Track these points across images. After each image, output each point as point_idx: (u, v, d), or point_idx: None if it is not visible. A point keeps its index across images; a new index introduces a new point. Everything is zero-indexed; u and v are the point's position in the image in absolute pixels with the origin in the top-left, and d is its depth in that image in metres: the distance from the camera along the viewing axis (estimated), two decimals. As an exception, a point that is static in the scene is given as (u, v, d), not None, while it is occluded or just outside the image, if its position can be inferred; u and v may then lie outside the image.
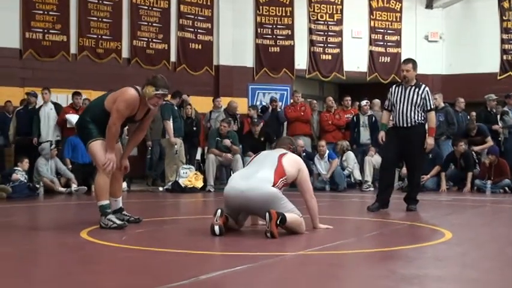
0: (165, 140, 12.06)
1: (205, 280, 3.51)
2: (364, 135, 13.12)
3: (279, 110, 13.70)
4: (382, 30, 16.78)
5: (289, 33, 16.04)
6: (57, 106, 12.04)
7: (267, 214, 5.04)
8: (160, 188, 12.05)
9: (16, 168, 10.77)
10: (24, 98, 12.42)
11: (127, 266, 4.07)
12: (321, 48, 16.30)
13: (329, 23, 16.37)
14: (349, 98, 14.08)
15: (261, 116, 13.58)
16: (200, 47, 15.25)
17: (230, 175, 11.36)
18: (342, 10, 16.43)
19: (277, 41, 15.97)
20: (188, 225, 6.41)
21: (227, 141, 11.90)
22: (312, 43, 16.22)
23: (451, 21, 17.04)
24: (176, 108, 12.34)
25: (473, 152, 12.42)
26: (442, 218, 7.42)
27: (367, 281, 3.67)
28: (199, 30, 15.27)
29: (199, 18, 15.29)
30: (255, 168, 5.52)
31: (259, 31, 15.90)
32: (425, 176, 11.95)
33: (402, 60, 8.49)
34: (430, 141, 7.83)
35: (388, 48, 16.68)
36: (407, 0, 16.96)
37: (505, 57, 16.36)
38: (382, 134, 7.96)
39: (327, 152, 12.36)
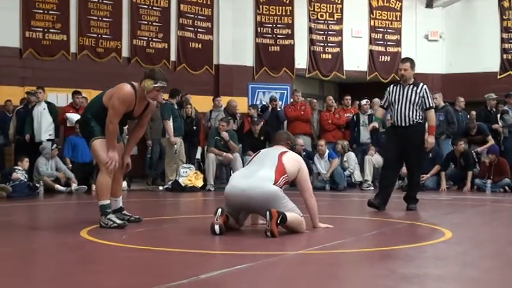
0: (165, 139, 12.07)
1: (205, 279, 3.51)
2: (364, 135, 13.11)
3: (278, 109, 13.70)
4: (382, 30, 16.77)
5: (289, 32, 16.04)
6: (50, 106, 11.90)
7: (268, 213, 5.05)
8: (161, 187, 12.05)
9: (16, 167, 10.77)
10: (24, 97, 12.42)
11: (127, 266, 4.08)
12: (321, 48, 16.30)
13: (329, 22, 16.37)
14: (349, 97, 14.08)
15: (261, 115, 13.58)
16: (200, 46, 15.25)
17: (230, 174, 11.38)
18: (342, 9, 16.42)
19: (277, 40, 15.97)
20: (188, 225, 6.41)
21: (225, 134, 11.89)
22: (312, 42, 16.22)
23: (451, 21, 17.03)
24: (176, 107, 12.34)
25: (473, 152, 12.42)
26: (442, 217, 7.42)
27: (367, 280, 3.67)
28: (199, 30, 15.27)
29: (199, 17, 15.29)
30: (256, 167, 5.52)
31: (259, 30, 15.89)
32: (425, 175, 11.96)
33: (400, 60, 8.48)
34: (430, 139, 7.84)
35: (388, 48, 16.68)
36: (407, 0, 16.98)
37: (505, 56, 16.36)
38: (374, 124, 7.99)
39: (327, 151, 12.36)
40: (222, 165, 12.38)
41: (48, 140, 11.67)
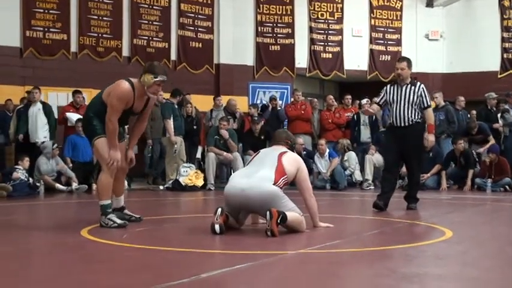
0: (166, 138, 12.07)
1: (206, 278, 3.51)
2: (365, 134, 13.12)
3: (279, 108, 13.70)
4: (383, 29, 16.77)
5: (290, 31, 16.04)
6: (46, 106, 11.82)
7: (268, 213, 5.05)
8: (161, 187, 12.05)
9: (17, 166, 10.77)
10: (25, 96, 12.41)
11: (128, 265, 4.08)
12: (322, 47, 16.30)
13: (329, 21, 16.37)
14: (349, 97, 14.09)
15: (261, 115, 13.58)
16: (200, 45, 15.25)
17: (230, 173, 11.37)
18: (342, 8, 16.42)
19: (278, 40, 15.97)
20: (188, 224, 6.41)
21: (224, 132, 11.89)
22: (312, 41, 16.21)
23: (452, 20, 17.03)
24: (176, 107, 12.34)
25: (473, 151, 12.42)
26: (443, 216, 7.42)
27: (368, 280, 3.67)
28: (199, 29, 15.27)
29: (199, 16, 15.29)
30: (256, 167, 5.52)
31: (259, 29, 15.89)
32: (426, 175, 11.97)
33: (397, 59, 8.44)
34: (430, 138, 7.83)
35: (388, 47, 16.68)
36: (407, -1, 16.99)
37: (505, 55, 16.36)
38: (370, 108, 7.97)
39: (327, 150, 12.36)
40: (223, 165, 12.38)
41: (43, 141, 11.62)
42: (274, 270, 3.86)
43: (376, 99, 7.97)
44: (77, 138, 11.84)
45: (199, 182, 11.82)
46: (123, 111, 5.77)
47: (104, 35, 14.06)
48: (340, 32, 16.42)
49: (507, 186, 11.66)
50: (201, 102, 13.89)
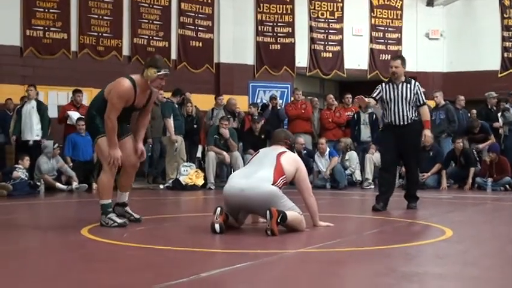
0: (166, 137, 12.07)
1: (206, 278, 3.51)
2: (365, 133, 13.11)
3: (279, 107, 13.70)
4: (383, 28, 16.77)
5: (290, 30, 16.03)
6: (40, 105, 11.73)
7: (268, 212, 5.05)
8: (161, 186, 12.05)
9: (17, 165, 10.77)
10: (25, 95, 12.39)
11: (128, 264, 4.08)
12: (322, 46, 16.29)
13: (330, 20, 16.36)
14: (349, 96, 14.07)
15: (261, 114, 13.58)
16: (201, 44, 15.25)
17: (230, 173, 11.37)
18: (342, 8, 16.41)
19: (278, 39, 15.96)
20: (189, 223, 6.41)
21: (225, 131, 11.90)
22: (312, 41, 16.21)
23: (452, 19, 17.02)
24: (177, 106, 12.34)
25: (473, 150, 12.42)
26: (443, 215, 7.42)
27: (368, 279, 3.67)
28: (199, 28, 15.27)
29: (199, 16, 15.29)
30: (255, 167, 5.52)
31: (259, 29, 15.89)
32: (426, 174, 11.98)
33: (390, 57, 8.40)
34: (428, 133, 7.82)
35: (388, 46, 16.67)
36: (408, -2, 16.99)
37: (505, 54, 16.35)
38: (367, 100, 7.82)
39: (328, 149, 12.36)
40: (222, 164, 12.38)
41: (35, 140, 11.51)
42: (274, 270, 3.86)
43: (373, 94, 7.85)
44: (77, 137, 11.85)
45: (200, 181, 11.82)
46: (125, 108, 5.74)
47: (104, 34, 14.06)
48: (340, 31, 16.41)
49: (507, 186, 11.66)
50: (201, 102, 13.89)
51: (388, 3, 16.80)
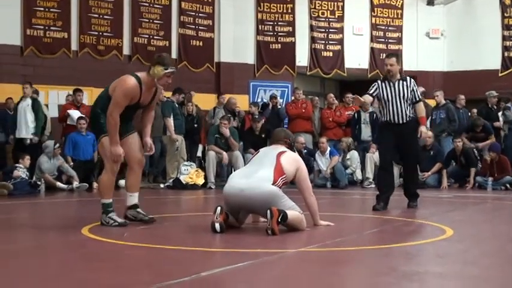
0: (166, 137, 12.07)
1: (206, 277, 3.51)
2: (365, 132, 13.10)
3: (279, 107, 13.70)
4: (384, 27, 16.77)
5: (290, 30, 16.03)
6: (35, 102, 11.66)
7: (268, 211, 5.05)
8: (162, 185, 12.05)
9: (17, 165, 10.77)
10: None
11: (128, 263, 4.08)
12: (322, 45, 16.30)
13: (330, 19, 16.36)
14: (350, 95, 14.06)
15: (261, 113, 13.58)
16: (201, 44, 15.25)
17: (231, 172, 11.37)
18: (343, 7, 16.42)
19: (278, 38, 15.97)
20: (189, 222, 6.42)
21: (225, 131, 11.90)
22: (313, 40, 16.21)
23: (453, 18, 17.02)
24: (177, 105, 12.34)
25: (474, 149, 12.42)
26: (443, 214, 7.42)
27: (368, 278, 3.67)
28: (200, 27, 15.27)
29: (200, 15, 15.29)
30: (255, 167, 5.52)
31: (260, 28, 15.89)
32: (427, 173, 11.98)
33: (386, 55, 8.35)
34: (424, 129, 7.78)
35: (389, 45, 16.67)
36: (408, -3, 16.98)
37: (506, 54, 16.35)
38: (362, 98, 7.66)
39: (328, 148, 12.37)
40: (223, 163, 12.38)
41: (31, 139, 11.46)
42: (274, 269, 3.86)
43: (369, 90, 7.74)
44: (78, 136, 11.85)
45: (200, 181, 11.82)
46: (130, 106, 5.70)
47: (105, 34, 14.06)
48: (340, 30, 16.42)
49: (508, 185, 11.65)
50: (201, 101, 13.89)
51: (389, 2, 16.81)
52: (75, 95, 12.45)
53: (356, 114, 13.35)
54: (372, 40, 16.66)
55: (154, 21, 14.72)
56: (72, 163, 11.63)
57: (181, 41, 14.99)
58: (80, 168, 11.59)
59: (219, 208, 5.23)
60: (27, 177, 10.63)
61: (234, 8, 15.60)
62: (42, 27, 13.37)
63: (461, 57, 16.67)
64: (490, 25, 16.37)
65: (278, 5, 15.96)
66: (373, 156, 12.41)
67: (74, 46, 13.72)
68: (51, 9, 13.50)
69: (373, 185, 12.06)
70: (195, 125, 12.90)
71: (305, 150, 12.39)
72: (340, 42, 16.41)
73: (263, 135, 12.62)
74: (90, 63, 13.71)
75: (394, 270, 3.82)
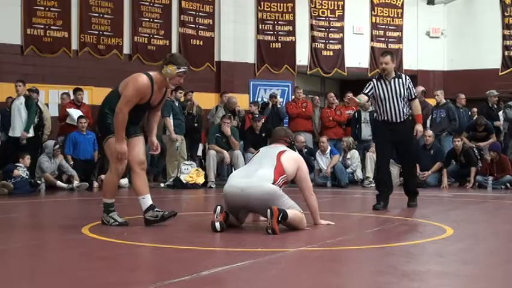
0: (166, 136, 12.07)
1: (206, 276, 3.51)
2: (366, 131, 13.09)
3: (279, 106, 13.70)
4: (384, 26, 16.76)
5: (291, 29, 16.03)
6: (28, 100, 11.51)
7: (269, 211, 5.05)
8: (162, 184, 12.05)
9: (17, 164, 10.76)
10: (26, 94, 12.38)
11: (128, 262, 4.08)
12: (323, 44, 16.29)
13: (330, 19, 16.36)
14: (350, 94, 14.04)
15: (261, 112, 13.58)
16: (201, 43, 15.24)
17: (231, 171, 11.37)
18: (343, 6, 16.41)
19: (279, 37, 15.96)
20: (189, 222, 6.41)
21: (226, 129, 11.91)
22: (313, 39, 16.20)
23: (453, 17, 17.02)
24: (177, 105, 12.33)
25: (474, 149, 12.42)
26: (444, 214, 7.43)
27: (368, 277, 3.67)
28: (200, 26, 15.27)
29: (200, 14, 15.28)
30: (255, 166, 5.52)
31: (260, 27, 15.88)
32: (427, 172, 11.98)
33: (381, 53, 8.33)
34: (419, 127, 7.71)
35: (389, 44, 16.64)
36: (408, -4, 16.97)
37: (506, 53, 16.34)
38: (357, 99, 7.63)
39: (329, 148, 12.37)
40: (223, 162, 12.38)
41: (18, 137, 11.32)
42: (274, 268, 3.86)
43: (365, 90, 7.71)
44: (78, 135, 11.84)
45: (200, 180, 11.82)
46: (140, 106, 5.62)
47: (105, 33, 14.05)
48: (341, 29, 16.41)
49: (508, 184, 11.66)
50: (202, 100, 13.88)
51: (389, 1, 16.80)
52: (75, 94, 12.45)
53: (356, 114, 13.35)
54: (372, 39, 16.65)
55: (155, 21, 14.72)
56: (72, 162, 11.63)
57: (181, 40, 14.98)
58: (80, 167, 11.60)
59: (219, 207, 5.23)
60: (27, 177, 10.63)
61: (234, 7, 15.59)
62: (42, 26, 13.37)
63: (461, 56, 16.66)
64: (490, 24, 16.37)
65: (278, 4, 15.95)
66: (374, 155, 12.38)
67: (74, 45, 13.72)
68: (52, 9, 13.49)
69: (373, 184, 12.06)
70: (196, 124, 12.89)
71: (305, 150, 12.39)
72: (341, 41, 16.40)
73: (263, 135, 12.62)
74: (90, 63, 13.71)
75: (395, 269, 3.82)
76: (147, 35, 14.58)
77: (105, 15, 14.08)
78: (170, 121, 11.88)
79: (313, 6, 16.24)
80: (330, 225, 5.79)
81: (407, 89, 7.55)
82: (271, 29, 15.93)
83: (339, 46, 16.39)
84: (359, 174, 12.65)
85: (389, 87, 7.54)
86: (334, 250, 4.60)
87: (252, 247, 4.61)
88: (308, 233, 5.37)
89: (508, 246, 4.99)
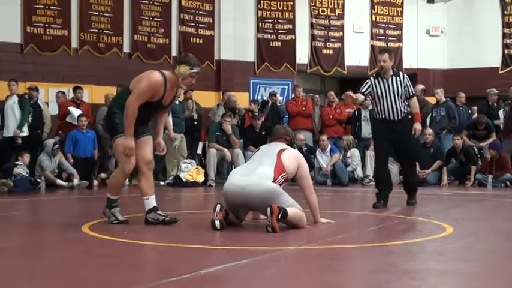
0: (166, 134, 12.06)
1: (206, 274, 3.51)
2: (366, 130, 13.08)
3: (278, 104, 13.70)
4: (384, 25, 16.76)
5: (291, 27, 16.03)
6: (22, 100, 11.44)
7: (269, 209, 5.05)
8: (162, 183, 12.05)
9: (17, 162, 10.77)
10: (26, 92, 12.38)
11: (128, 261, 4.08)
12: (322, 43, 16.29)
13: (330, 17, 16.35)
14: (349, 93, 14.02)
15: (261, 110, 13.58)
16: (201, 41, 15.24)
17: (231, 169, 11.38)
18: (343, 4, 16.41)
19: (279, 36, 15.96)
20: (189, 220, 6.41)
21: (228, 127, 11.92)
22: (313, 37, 16.20)
23: (453, 16, 17.01)
24: (177, 103, 12.32)
25: (474, 147, 12.42)
26: (443, 212, 7.42)
27: (368, 275, 3.67)
28: (200, 25, 15.27)
29: (200, 12, 15.28)
30: (255, 164, 5.52)
31: (260, 25, 15.88)
32: (427, 171, 11.98)
33: (379, 51, 8.31)
34: (418, 126, 7.68)
35: (389, 43, 16.63)
36: (408, -6, 16.97)
37: (506, 51, 16.34)
38: (355, 96, 7.57)
39: (329, 146, 12.38)
40: (223, 160, 12.39)
41: (15, 137, 11.28)
42: (274, 266, 3.86)
43: (362, 88, 7.70)
44: (78, 134, 11.84)
45: (200, 178, 11.82)
46: (151, 104, 5.56)
47: (105, 31, 14.05)
48: (341, 28, 16.40)
49: (508, 182, 11.67)
50: (201, 98, 13.89)
51: (389, 0, 16.79)
52: (75, 93, 12.44)
53: (356, 112, 13.35)
54: (372, 38, 16.65)
55: (155, 19, 14.71)
56: (72, 160, 11.63)
57: (181, 39, 14.98)
58: (80, 165, 11.60)
59: (218, 205, 5.22)
60: (27, 175, 10.63)
61: (234, 6, 15.59)
62: (42, 24, 13.37)
63: (461, 54, 16.65)
64: (490, 23, 16.36)
65: (278, 3, 15.95)
66: (373, 153, 12.42)
67: (74, 44, 13.72)
68: (51, 7, 13.49)
69: (373, 183, 12.06)
70: (195, 123, 12.89)
71: (305, 148, 12.39)
72: (341, 39, 16.40)
73: (263, 133, 12.61)
74: (90, 61, 13.71)
75: (395, 268, 3.82)
76: (147, 34, 14.58)
77: (105, 14, 14.08)
78: (169, 120, 11.87)
79: (313, 4, 16.23)
80: (330, 223, 5.79)
81: (405, 87, 7.53)
82: (271, 27, 15.93)
83: (339, 44, 16.39)
84: (359, 173, 12.65)
85: (386, 85, 7.53)
86: (334, 248, 4.60)
87: (252, 245, 4.61)
88: (308, 231, 5.37)
89: (508, 244, 4.99)
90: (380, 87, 7.55)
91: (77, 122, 11.84)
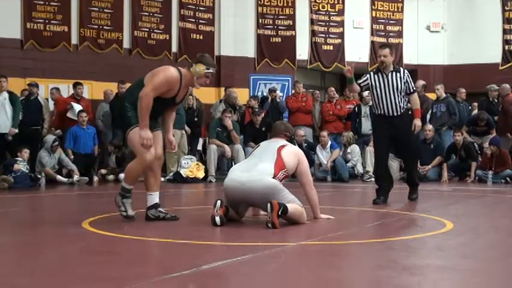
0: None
1: (206, 270, 3.51)
2: (366, 126, 13.07)
3: (278, 100, 13.69)
4: (384, 21, 16.74)
5: (291, 23, 16.01)
6: (12, 96, 11.35)
7: (269, 205, 5.05)
8: (162, 179, 12.01)
9: (17, 158, 10.77)
10: (25, 88, 12.39)
11: (128, 257, 4.08)
12: (323, 39, 16.27)
13: (330, 13, 16.34)
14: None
15: (261, 106, 13.58)
16: (201, 37, 15.23)
17: (231, 165, 11.38)
18: (343, 0, 16.38)
19: (279, 32, 15.94)
20: (189, 216, 6.41)
21: (229, 122, 11.92)
22: (313, 33, 16.19)
23: (453, 12, 16.99)
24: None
25: (475, 143, 12.41)
26: (444, 208, 7.42)
27: (369, 271, 3.67)
28: (200, 21, 15.25)
29: (200, 8, 15.26)
30: (255, 160, 5.52)
31: (260, 21, 15.86)
32: (427, 167, 11.98)
33: (379, 46, 8.29)
34: (418, 122, 7.64)
35: (389, 39, 16.62)
36: (409, -10, 16.95)
37: (507, 47, 16.32)
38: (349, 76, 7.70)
39: (329, 142, 12.38)
40: (223, 157, 12.39)
41: (4, 133, 11.16)
42: (275, 262, 3.86)
43: (359, 80, 7.71)
44: (79, 130, 11.84)
45: (200, 174, 11.83)
46: (164, 99, 5.54)
47: (105, 27, 14.04)
48: (341, 23, 16.39)
49: (508, 178, 11.66)
50: (201, 94, 13.86)
51: (389, -5, 16.79)
52: (75, 89, 12.43)
53: (356, 108, 13.34)
54: (372, 34, 16.63)
55: (155, 15, 14.70)
56: (72, 156, 11.63)
57: (181, 35, 14.96)
58: (80, 161, 11.60)
59: (219, 201, 5.23)
60: (27, 171, 10.63)
61: (235, 2, 15.57)
62: (42, 20, 13.36)
63: (461, 50, 16.64)
64: (491, 18, 16.34)
65: (278, -1, 15.95)
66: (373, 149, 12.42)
67: (74, 40, 13.71)
68: (51, 3, 13.48)
69: (373, 179, 12.05)
70: (196, 119, 12.90)
71: (305, 144, 12.40)
72: (341, 35, 16.38)
73: (263, 129, 12.61)
74: (90, 57, 13.70)
75: (395, 264, 3.82)
76: (147, 30, 14.56)
77: (105, 10, 14.06)
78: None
79: (313, 0, 16.21)
80: (330, 219, 5.80)
81: (405, 83, 7.51)
82: (271, 23, 15.91)
83: (339, 40, 16.37)
84: (359, 169, 12.65)
85: (386, 80, 7.52)
86: (334, 244, 4.60)
87: (252, 241, 4.61)
88: (308, 227, 5.38)
89: (508, 240, 4.99)
90: (379, 82, 7.53)
91: (77, 118, 11.84)
